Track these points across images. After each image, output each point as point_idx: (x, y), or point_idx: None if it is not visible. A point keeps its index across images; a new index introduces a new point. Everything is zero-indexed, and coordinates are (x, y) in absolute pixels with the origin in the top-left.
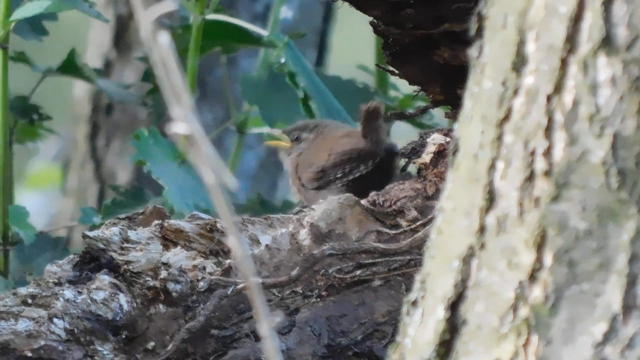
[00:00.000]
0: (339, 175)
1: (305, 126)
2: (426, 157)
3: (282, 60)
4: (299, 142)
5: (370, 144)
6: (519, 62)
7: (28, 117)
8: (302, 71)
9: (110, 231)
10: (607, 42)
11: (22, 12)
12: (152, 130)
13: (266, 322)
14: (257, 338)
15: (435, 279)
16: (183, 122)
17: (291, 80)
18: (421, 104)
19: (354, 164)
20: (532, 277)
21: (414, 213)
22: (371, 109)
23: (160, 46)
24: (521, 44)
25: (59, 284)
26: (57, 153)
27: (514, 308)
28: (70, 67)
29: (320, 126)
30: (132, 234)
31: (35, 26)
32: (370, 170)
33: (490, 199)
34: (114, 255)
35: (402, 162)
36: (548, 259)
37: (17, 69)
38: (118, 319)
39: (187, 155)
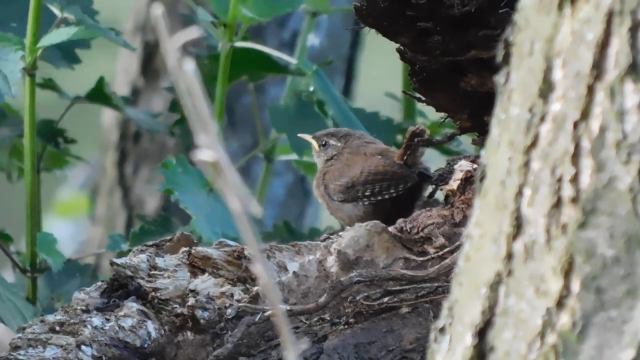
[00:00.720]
0: (367, 193)
1: (336, 133)
2: (453, 184)
3: (311, 89)
4: (326, 148)
5: (405, 167)
6: (546, 89)
7: (54, 141)
8: (330, 99)
9: (137, 258)
10: (633, 69)
11: (50, 39)
12: (180, 159)
13: (292, 350)
14: None
15: (463, 306)
16: (209, 150)
17: (320, 109)
18: (448, 130)
19: (385, 185)
20: (560, 304)
21: (441, 240)
22: (417, 132)
23: (186, 74)
24: (548, 70)
25: (86, 311)
26: (85, 181)
27: (542, 335)
28: (99, 94)
29: (350, 136)
30: (159, 261)
31: (67, 54)
32: (400, 193)
33: (518, 225)
34: (142, 282)
35: (430, 188)
36: (576, 286)
37: (45, 96)
38: (146, 346)
39: (214, 183)
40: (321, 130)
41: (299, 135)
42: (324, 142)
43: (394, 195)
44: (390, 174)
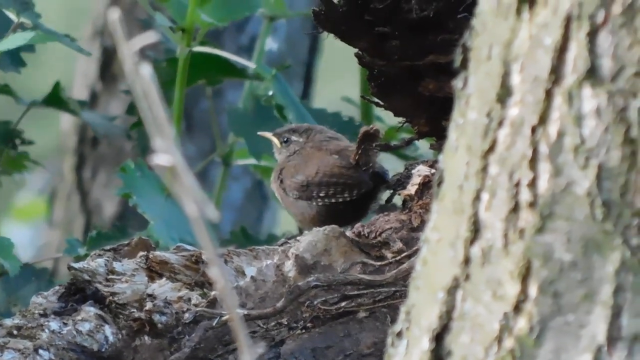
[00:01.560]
0: (321, 195)
1: (297, 128)
2: (411, 189)
3: (270, 93)
4: (288, 145)
5: (360, 171)
6: (504, 94)
7: (10, 142)
8: (290, 103)
9: (95, 262)
10: (592, 73)
11: (5, 45)
12: (139, 163)
13: (249, 354)
14: None
15: (421, 310)
16: (166, 154)
17: (279, 113)
18: (406, 135)
19: (339, 189)
20: (517, 308)
21: (399, 244)
22: (370, 132)
23: (143, 78)
24: (506, 75)
25: (44, 315)
26: (44, 185)
27: (499, 339)
28: (55, 99)
29: (311, 130)
30: (117, 266)
31: (14, 58)
32: (353, 198)
33: (475, 230)
34: (100, 286)
35: (388, 193)
36: (533, 290)
37: (1, 101)
38: (103, 350)
39: (170, 187)
40: (282, 127)
41: (260, 133)
42: (285, 139)
43: (347, 200)
44: (345, 178)
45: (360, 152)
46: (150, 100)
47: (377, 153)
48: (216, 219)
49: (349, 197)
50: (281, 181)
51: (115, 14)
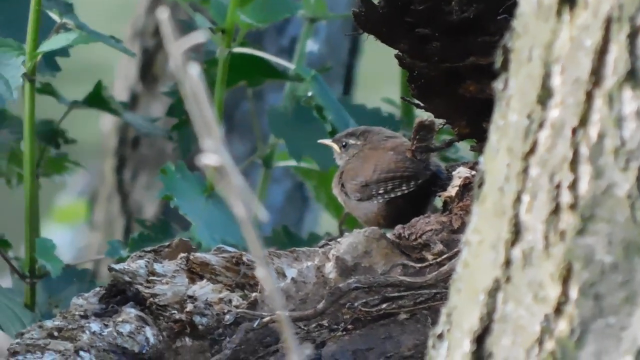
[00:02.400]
0: (380, 192)
1: (353, 132)
2: (452, 191)
3: (310, 94)
4: (347, 149)
5: (417, 163)
6: (545, 95)
7: (53, 141)
8: (329, 104)
9: (136, 264)
10: (632, 75)
11: (50, 45)
12: (179, 165)
13: (296, 355)
14: None
15: (462, 313)
16: (213, 154)
17: (319, 114)
18: (447, 137)
19: (397, 183)
20: (558, 310)
21: (439, 246)
22: (425, 123)
23: (191, 78)
24: (546, 77)
25: (85, 316)
26: (84, 187)
27: (540, 341)
28: (97, 99)
29: (368, 132)
30: (158, 267)
31: (49, 62)
32: (412, 190)
33: (516, 232)
34: (140, 288)
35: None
36: (574, 292)
37: (44, 102)
38: (144, 352)
39: (216, 187)
40: (340, 133)
41: (320, 141)
42: (344, 143)
43: (405, 192)
44: (402, 171)
45: (415, 143)
46: (198, 101)
47: (434, 144)
48: (265, 219)
49: (407, 188)
50: (342, 185)
51: (164, 14)
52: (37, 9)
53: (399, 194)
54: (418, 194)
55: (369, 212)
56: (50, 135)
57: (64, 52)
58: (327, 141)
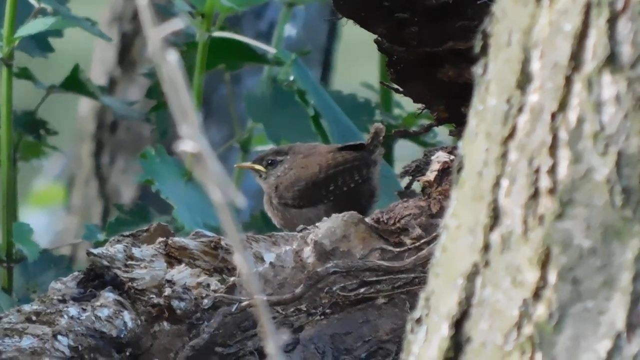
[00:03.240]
0: (331, 188)
1: (279, 150)
2: (430, 175)
3: (291, 78)
4: (274, 167)
5: (361, 154)
6: (524, 80)
7: (35, 132)
8: (311, 88)
9: (114, 248)
10: (611, 60)
11: (26, 30)
12: (159, 149)
13: (273, 340)
14: (261, 356)
15: (440, 297)
16: (191, 140)
17: (301, 98)
18: (425, 121)
19: (348, 176)
20: (536, 295)
21: (418, 231)
22: (378, 130)
23: (169, 63)
24: (526, 61)
25: (63, 301)
26: (61, 171)
27: (518, 326)
28: (74, 83)
29: (293, 148)
30: (136, 252)
31: (40, 43)
32: (364, 178)
33: (495, 216)
34: (118, 272)
35: (407, 179)
36: (552, 276)
37: (21, 86)
38: (122, 336)
39: (194, 173)
40: (259, 154)
41: (237, 165)
42: (270, 161)
43: (359, 182)
44: (351, 161)
45: (371, 147)
46: (175, 87)
47: (382, 152)
48: (242, 204)
49: (360, 177)
50: (280, 197)
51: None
52: None
53: (352, 185)
54: (362, 193)
55: (313, 218)
56: (31, 125)
57: (57, 32)
58: (247, 164)
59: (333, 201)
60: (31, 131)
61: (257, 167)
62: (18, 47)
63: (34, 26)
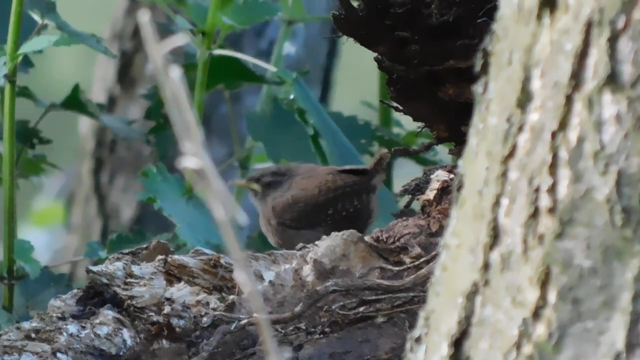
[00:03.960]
0: (330, 212)
1: (276, 172)
2: (430, 194)
3: (291, 97)
4: (270, 187)
5: (360, 178)
6: (524, 99)
7: (29, 142)
8: (311, 108)
9: (114, 266)
10: (612, 79)
11: (30, 46)
12: (160, 167)
13: (275, 358)
14: None
15: (440, 316)
16: (193, 157)
17: (301, 117)
18: (425, 140)
19: (348, 200)
20: (536, 314)
21: (417, 250)
22: (384, 156)
23: (171, 80)
24: (526, 80)
25: (62, 318)
26: (61, 189)
27: (518, 345)
28: (74, 102)
29: (291, 168)
30: (135, 269)
31: (22, 59)
32: (363, 203)
33: (495, 235)
34: (118, 290)
35: (406, 198)
36: (552, 296)
37: (20, 104)
38: (121, 354)
39: (196, 190)
40: (254, 172)
41: (231, 182)
42: (268, 182)
43: (358, 207)
44: (351, 185)
45: (374, 171)
46: (178, 104)
47: (383, 178)
48: (244, 222)
49: (358, 203)
50: (278, 218)
51: (145, 16)
52: (18, 10)
53: (350, 210)
54: (360, 216)
55: (312, 239)
56: (25, 135)
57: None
58: (241, 182)
59: (331, 224)
60: (25, 141)
61: (254, 186)
62: None
63: (37, 43)
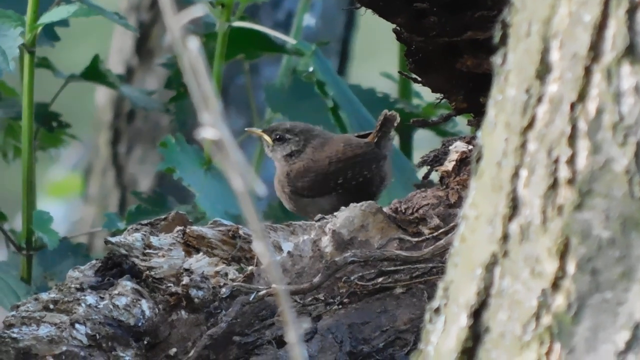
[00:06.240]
0: (340, 181)
1: (291, 129)
2: (449, 165)
3: (311, 69)
4: (282, 143)
5: (372, 147)
6: (543, 70)
7: (48, 124)
8: (330, 80)
9: (132, 237)
10: (631, 51)
11: (49, 17)
12: (178, 137)
13: (293, 329)
14: (279, 345)
15: (458, 287)
16: (212, 128)
17: (320, 89)
18: (444, 111)
19: (357, 169)
20: (555, 285)
21: (436, 221)
22: (389, 117)
23: (190, 52)
24: (545, 52)
25: (80, 289)
26: (78, 160)
27: (537, 316)
28: (94, 73)
29: (308, 131)
30: (154, 240)
31: (48, 32)
32: (373, 173)
33: (514, 206)
34: (136, 261)
35: (425, 169)
36: (571, 267)
37: (38, 75)
38: (140, 324)
39: (214, 161)
40: (274, 124)
41: (248, 129)
42: (278, 136)
43: (368, 177)
44: (361, 155)
45: (380, 134)
46: (197, 74)
47: (393, 137)
48: (262, 193)
49: (368, 172)
50: (292, 186)
51: None
52: None
53: (360, 179)
54: (372, 182)
55: (325, 205)
56: (45, 118)
57: (63, 22)
58: (258, 130)
59: (343, 192)
60: (44, 123)
61: (266, 137)
62: None
63: (56, 13)
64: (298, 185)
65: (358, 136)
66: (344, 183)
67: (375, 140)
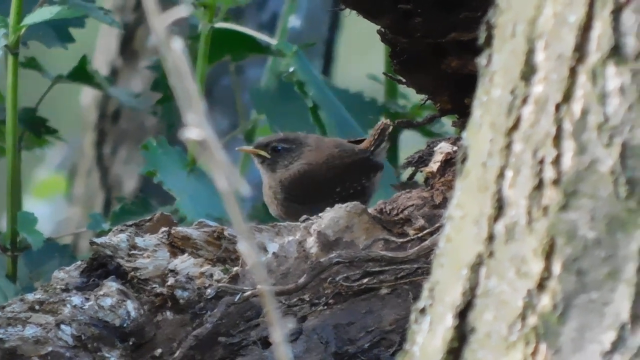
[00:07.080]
0: (337, 190)
1: (285, 139)
2: (433, 166)
3: (291, 69)
4: (280, 154)
5: (368, 154)
6: (528, 71)
7: (35, 129)
8: (311, 80)
9: (117, 238)
10: (616, 52)
11: (34, 18)
12: (160, 140)
13: (279, 329)
14: (265, 345)
15: (444, 287)
16: (196, 128)
17: (300, 89)
18: (431, 112)
19: (356, 177)
20: (541, 285)
21: (421, 222)
22: (386, 125)
23: (174, 51)
24: (530, 52)
25: (66, 290)
26: (63, 161)
27: (523, 316)
28: (81, 74)
29: (299, 138)
30: (139, 241)
31: (61, 33)
32: (370, 181)
33: (499, 207)
34: (122, 261)
35: (410, 170)
36: (557, 267)
37: (25, 76)
38: (125, 325)
39: (198, 161)
40: (261, 139)
41: (238, 148)
42: (278, 147)
43: (366, 185)
44: (359, 164)
45: (376, 142)
46: (181, 75)
47: (386, 148)
48: (247, 193)
49: (366, 181)
50: (286, 194)
51: None
52: None
53: (358, 188)
54: (366, 192)
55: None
56: (32, 123)
57: (79, 22)
58: (248, 148)
59: (338, 201)
60: (31, 128)
61: (262, 152)
62: (36, 37)
63: (39, 14)
64: (293, 192)
65: (350, 142)
66: (341, 192)
67: (371, 149)
